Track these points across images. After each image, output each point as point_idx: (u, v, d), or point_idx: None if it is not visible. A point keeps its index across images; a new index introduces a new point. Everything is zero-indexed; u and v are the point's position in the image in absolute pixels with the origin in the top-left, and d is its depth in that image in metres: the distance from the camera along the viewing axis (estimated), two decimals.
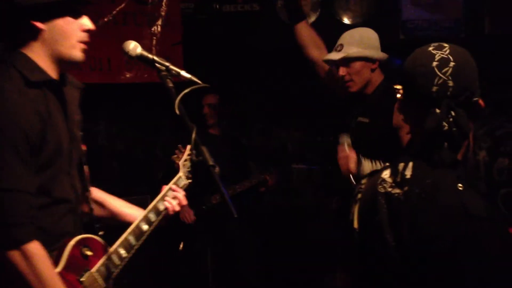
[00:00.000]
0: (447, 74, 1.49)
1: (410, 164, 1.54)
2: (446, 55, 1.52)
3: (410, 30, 4.50)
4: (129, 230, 1.96)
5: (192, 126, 1.61)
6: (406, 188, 1.51)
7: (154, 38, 4.26)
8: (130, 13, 4.12)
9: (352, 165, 2.63)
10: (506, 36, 4.25)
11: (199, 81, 1.77)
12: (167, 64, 1.78)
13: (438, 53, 1.53)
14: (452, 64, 1.50)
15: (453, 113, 1.48)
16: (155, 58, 1.79)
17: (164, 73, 1.77)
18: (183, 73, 1.78)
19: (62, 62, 1.81)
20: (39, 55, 1.76)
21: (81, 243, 1.81)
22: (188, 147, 2.17)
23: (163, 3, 4.28)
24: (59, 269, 1.74)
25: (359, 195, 1.61)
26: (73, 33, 1.78)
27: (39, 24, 1.73)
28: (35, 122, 1.69)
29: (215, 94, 4.09)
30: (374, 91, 2.82)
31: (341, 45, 2.82)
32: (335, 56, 2.82)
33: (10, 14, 1.73)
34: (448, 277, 1.47)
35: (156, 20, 4.28)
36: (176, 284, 3.99)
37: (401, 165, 1.54)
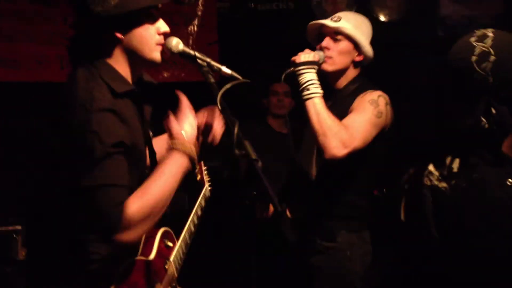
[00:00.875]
0: (487, 69, 1.45)
1: (458, 158, 1.51)
2: (487, 47, 1.47)
3: (449, 27, 4.43)
4: (184, 229, 2.08)
5: (235, 121, 1.62)
6: (453, 182, 1.48)
7: (191, 37, 4.31)
8: (167, 12, 4.16)
9: (302, 56, 2.53)
10: None
11: (240, 77, 1.78)
12: (208, 60, 1.80)
13: (478, 45, 1.48)
14: (492, 58, 1.45)
15: (493, 110, 1.43)
16: (197, 54, 1.81)
17: (205, 69, 1.79)
18: (224, 68, 1.80)
19: (142, 66, 1.84)
20: (120, 63, 1.78)
21: (164, 235, 1.91)
22: (202, 162, 2.41)
23: (199, 3, 4.32)
24: (152, 256, 1.82)
25: (406, 186, 1.59)
26: (151, 37, 1.78)
27: (120, 35, 1.75)
28: (125, 132, 1.70)
29: (284, 83, 4.03)
30: (346, 86, 2.63)
31: (339, 18, 2.61)
32: (329, 23, 2.60)
33: (91, 26, 1.74)
34: (488, 272, 1.45)
35: (193, 19, 4.32)
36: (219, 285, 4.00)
37: (448, 158, 1.51)
